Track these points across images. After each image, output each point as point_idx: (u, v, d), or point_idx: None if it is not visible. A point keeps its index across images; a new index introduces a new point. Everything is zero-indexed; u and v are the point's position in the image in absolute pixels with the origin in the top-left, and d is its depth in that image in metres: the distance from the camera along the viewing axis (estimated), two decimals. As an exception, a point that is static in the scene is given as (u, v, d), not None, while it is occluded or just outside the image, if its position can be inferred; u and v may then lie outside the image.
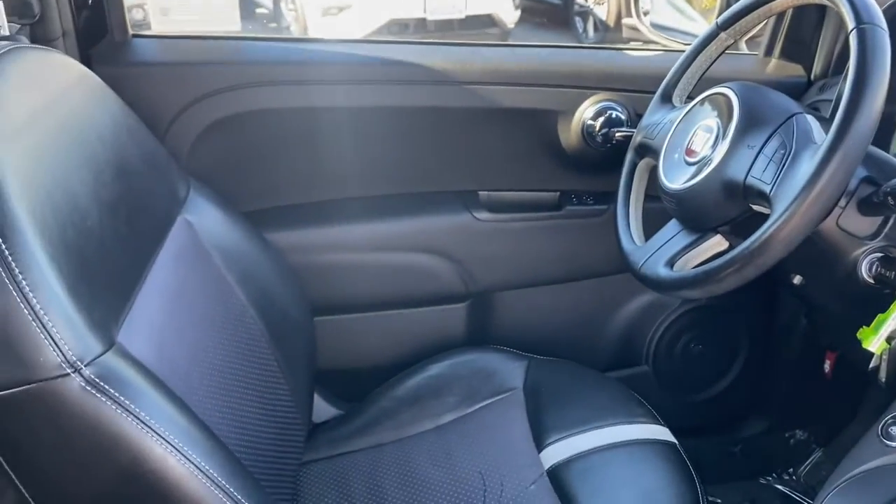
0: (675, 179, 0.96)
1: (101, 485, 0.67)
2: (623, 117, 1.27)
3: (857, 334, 0.89)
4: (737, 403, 1.54)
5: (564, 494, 0.99)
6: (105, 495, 0.68)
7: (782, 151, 0.85)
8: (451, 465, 1.06)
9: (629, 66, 1.30)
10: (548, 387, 1.16)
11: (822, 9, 1.25)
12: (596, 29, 6.21)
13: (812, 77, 1.30)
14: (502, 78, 1.25)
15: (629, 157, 1.14)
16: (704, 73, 1.10)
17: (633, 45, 1.51)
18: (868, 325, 0.89)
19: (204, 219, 1.01)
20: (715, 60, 1.08)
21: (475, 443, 1.09)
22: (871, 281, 0.90)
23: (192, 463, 0.68)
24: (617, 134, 1.26)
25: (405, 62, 1.23)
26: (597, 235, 1.36)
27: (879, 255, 0.89)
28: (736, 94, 0.93)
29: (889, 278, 0.88)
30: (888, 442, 0.81)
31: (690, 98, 1.07)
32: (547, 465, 1.03)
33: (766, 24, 1.33)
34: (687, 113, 1.02)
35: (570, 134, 1.29)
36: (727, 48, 1.07)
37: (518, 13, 5.91)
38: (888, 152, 1.07)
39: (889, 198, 0.83)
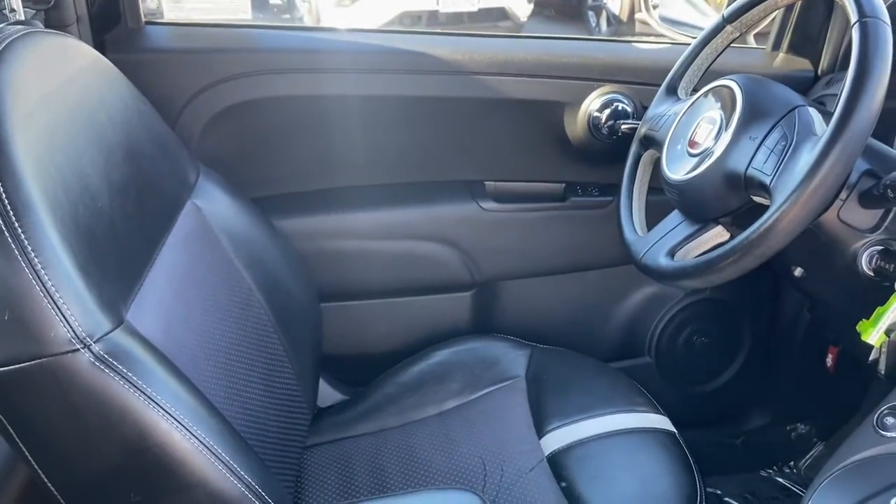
0: (678, 170, 0.97)
1: (108, 458, 0.69)
2: (629, 109, 1.28)
3: (857, 327, 0.90)
4: (739, 396, 1.55)
5: (563, 480, 1.00)
6: (112, 468, 0.70)
7: (783, 143, 0.86)
8: (452, 449, 1.08)
9: (636, 59, 1.31)
10: (549, 375, 1.18)
11: (830, 3, 1.25)
12: (609, 23, 6.18)
13: (819, 72, 1.30)
14: (510, 69, 1.26)
15: (633, 148, 1.14)
16: (710, 65, 1.10)
17: (640, 38, 1.52)
18: (867, 317, 0.90)
19: (213, 204, 1.03)
20: (720, 53, 1.09)
21: (477, 429, 1.10)
22: (871, 273, 0.91)
23: (197, 439, 0.70)
24: (623, 126, 1.26)
25: (414, 52, 1.24)
26: (601, 227, 1.37)
27: (880, 247, 0.90)
28: (739, 87, 0.94)
29: (889, 271, 0.89)
30: (883, 432, 0.82)
31: (696, 90, 1.07)
32: (547, 452, 1.04)
33: (773, 18, 1.33)
34: (691, 105, 1.03)
35: (576, 125, 1.30)
36: (733, 41, 1.07)
37: (531, 6, 5.89)
38: (891, 146, 1.08)
39: (889, 190, 0.84)
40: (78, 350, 0.65)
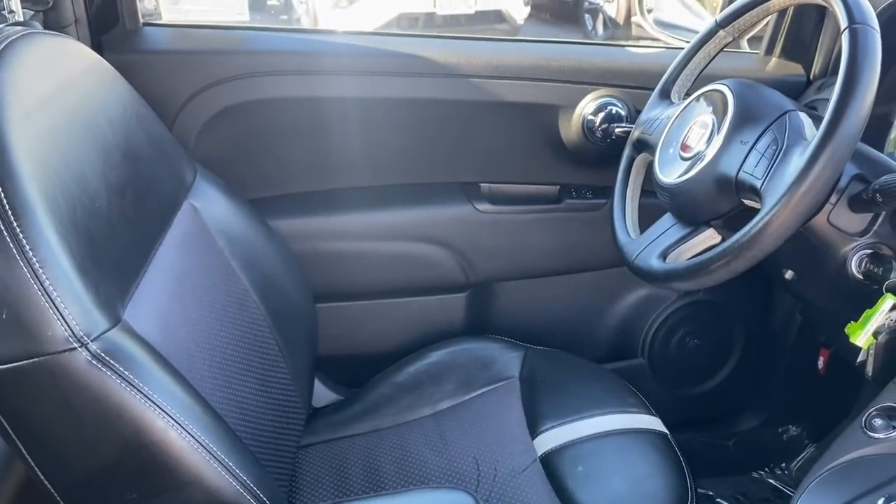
0: (670, 174, 0.98)
1: (104, 456, 0.70)
2: (623, 113, 1.29)
3: (845, 329, 0.91)
4: (731, 398, 1.56)
5: (556, 480, 1.01)
6: (108, 466, 0.70)
7: (774, 147, 0.87)
8: (446, 449, 1.08)
9: (630, 63, 1.32)
10: (543, 376, 1.19)
11: (823, 9, 1.26)
12: (605, 26, 6.20)
13: (811, 76, 1.31)
14: (505, 72, 1.27)
15: (627, 151, 1.16)
16: (703, 70, 1.11)
17: (635, 41, 1.53)
18: (856, 320, 0.91)
19: (210, 204, 1.03)
20: (714, 58, 1.10)
21: (471, 429, 1.11)
22: (860, 277, 0.92)
23: (193, 437, 0.70)
24: (617, 129, 1.27)
25: (410, 55, 1.25)
26: (595, 229, 1.38)
27: (868, 251, 0.91)
28: (731, 91, 0.95)
29: (877, 274, 0.90)
30: (871, 433, 0.83)
31: (689, 95, 1.08)
32: (540, 452, 1.05)
33: (766, 23, 1.34)
34: (683, 109, 1.04)
35: (570, 129, 1.31)
36: (726, 46, 1.09)
37: (528, 9, 5.91)
38: (882, 152, 1.09)
39: (878, 195, 0.85)
40: (75, 349, 0.66)
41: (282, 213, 1.28)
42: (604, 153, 1.30)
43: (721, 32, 1.07)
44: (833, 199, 0.90)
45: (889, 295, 0.88)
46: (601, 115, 1.28)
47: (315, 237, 1.31)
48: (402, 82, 1.25)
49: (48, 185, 0.70)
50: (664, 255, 0.97)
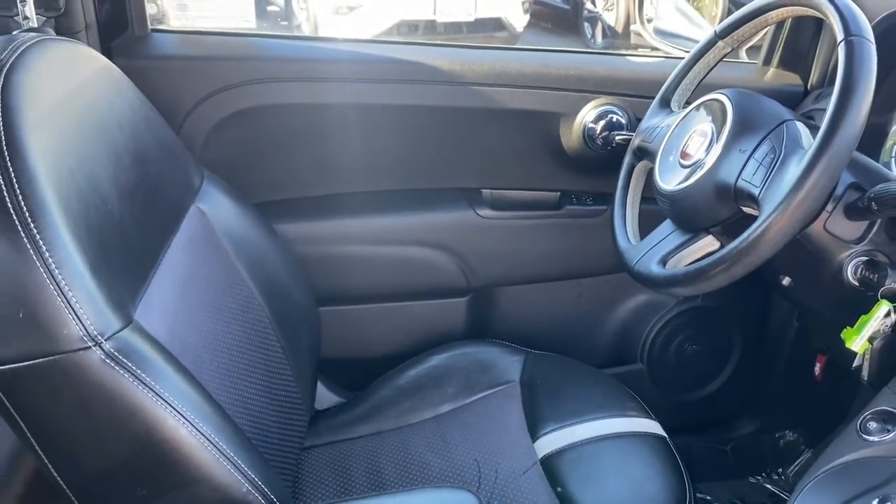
0: (670, 181, 1.00)
1: (116, 453, 0.71)
2: (623, 121, 1.30)
3: (841, 334, 0.93)
4: (729, 403, 1.57)
5: (556, 482, 1.02)
6: (120, 463, 0.72)
7: (772, 156, 0.89)
8: (448, 452, 1.10)
9: (630, 72, 1.34)
10: (543, 380, 1.20)
11: (820, 21, 1.28)
12: (604, 35, 6.23)
13: (809, 87, 1.33)
14: (507, 80, 1.29)
15: (627, 159, 1.17)
16: (703, 79, 1.13)
17: (634, 50, 1.55)
18: (852, 325, 0.93)
19: (216, 208, 1.05)
20: (713, 67, 1.12)
21: (472, 432, 1.13)
22: (856, 283, 0.93)
23: (203, 435, 0.72)
24: (617, 137, 1.29)
25: (413, 62, 1.27)
26: (595, 235, 1.39)
27: (864, 258, 0.93)
28: (730, 101, 0.97)
29: (872, 281, 0.92)
30: (866, 436, 0.85)
31: (688, 104, 1.10)
32: (540, 455, 1.07)
33: (765, 34, 1.36)
34: (683, 118, 1.05)
35: (571, 136, 1.33)
36: (725, 56, 1.11)
37: (527, 17, 5.94)
38: (878, 161, 1.11)
39: (873, 203, 0.86)
40: (89, 348, 0.67)
41: (286, 218, 1.29)
42: (604, 160, 1.32)
43: (720, 43, 1.08)
44: (829, 206, 0.91)
45: (884, 301, 0.89)
46: (602, 122, 1.30)
47: (319, 241, 1.33)
48: (406, 89, 1.27)
49: (62, 187, 0.71)
50: (664, 261, 0.99)
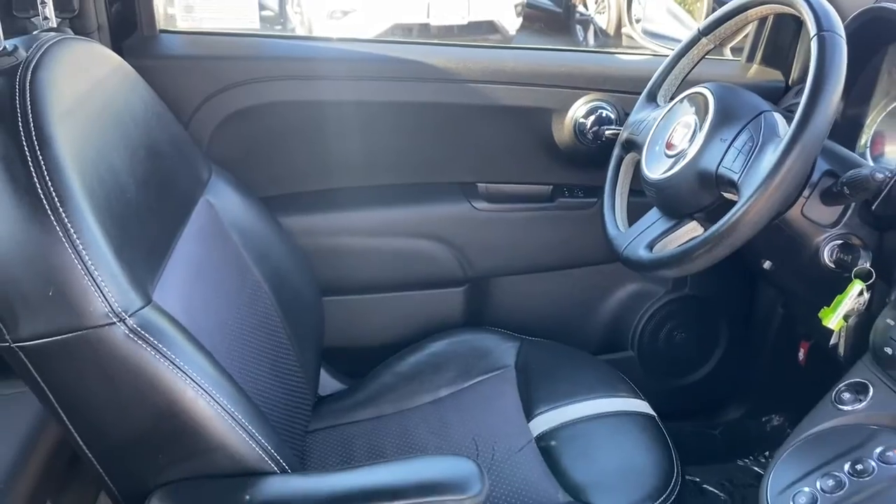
0: (656, 170, 1.05)
1: (139, 422, 0.76)
2: (612, 116, 1.35)
3: (819, 314, 0.98)
4: (717, 389, 1.62)
5: (550, 459, 1.07)
6: (142, 431, 0.77)
7: (750, 144, 0.94)
8: (446, 433, 1.14)
9: (619, 69, 1.39)
10: (537, 365, 1.25)
11: (800, 20, 1.34)
12: (596, 37, 6.28)
13: (790, 82, 1.38)
14: (500, 77, 1.34)
15: (616, 151, 1.23)
16: (687, 74, 1.18)
17: (624, 49, 1.60)
18: (829, 305, 0.98)
19: (224, 201, 1.10)
20: (697, 63, 1.17)
21: (469, 414, 1.17)
22: (832, 265, 0.99)
23: (220, 405, 0.77)
24: (607, 132, 1.34)
25: (410, 61, 1.32)
26: (586, 226, 1.44)
27: (839, 241, 0.98)
28: (712, 93, 1.02)
29: (847, 262, 0.97)
30: (840, 406, 0.90)
31: (674, 98, 1.16)
32: (535, 433, 1.12)
33: (748, 32, 1.42)
34: (668, 110, 1.11)
35: (563, 131, 1.38)
36: (708, 53, 1.16)
37: (520, 20, 5.99)
38: (855, 151, 1.16)
39: (845, 187, 0.92)
40: (114, 323, 0.72)
41: (290, 211, 1.34)
42: (594, 154, 1.37)
43: (703, 40, 1.14)
44: (806, 192, 0.97)
45: (857, 281, 0.95)
46: (592, 118, 1.35)
47: (321, 233, 1.37)
48: (404, 87, 1.32)
49: (86, 175, 0.76)
50: (651, 246, 1.04)
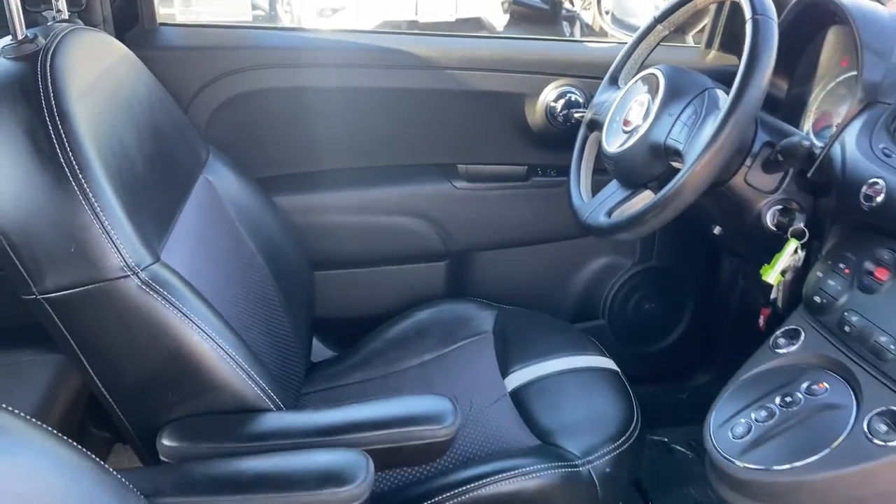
0: (613, 144, 1.16)
1: (151, 364, 0.86)
2: (581, 100, 1.46)
3: (760, 270, 1.09)
4: (684, 355, 1.72)
5: (523, 409, 1.17)
6: (154, 373, 0.87)
7: (694, 117, 1.05)
8: (429, 391, 1.24)
9: (586, 56, 1.49)
10: (513, 330, 1.35)
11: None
12: (582, 32, 6.37)
13: (745, 66, 1.49)
14: (477, 65, 1.44)
15: (582, 131, 1.33)
16: (646, 58, 1.29)
17: (590, 38, 1.70)
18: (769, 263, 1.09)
19: (221, 179, 1.19)
20: (654, 48, 1.28)
21: (451, 374, 1.27)
22: (773, 227, 1.09)
23: (222, 349, 0.87)
24: (575, 114, 1.43)
25: (394, 49, 1.42)
26: (559, 204, 1.52)
27: (779, 206, 1.09)
28: (663, 74, 1.13)
29: (786, 224, 1.08)
30: (776, 350, 1.00)
31: None
32: (509, 388, 1.22)
33: (707, 21, 1.52)
34: (626, 91, 1.21)
35: (535, 114, 1.48)
36: (664, 38, 1.26)
37: (506, 17, 6.10)
38: (800, 127, 1.27)
39: (779, 155, 1.03)
40: (128, 276, 0.82)
41: (282, 191, 1.43)
42: (565, 136, 1.46)
43: (658, 27, 1.24)
44: (749, 162, 1.07)
45: (793, 239, 1.06)
46: (561, 101, 1.45)
47: (311, 212, 1.47)
48: (388, 74, 1.42)
49: (101, 148, 0.86)
50: (610, 213, 1.14)
